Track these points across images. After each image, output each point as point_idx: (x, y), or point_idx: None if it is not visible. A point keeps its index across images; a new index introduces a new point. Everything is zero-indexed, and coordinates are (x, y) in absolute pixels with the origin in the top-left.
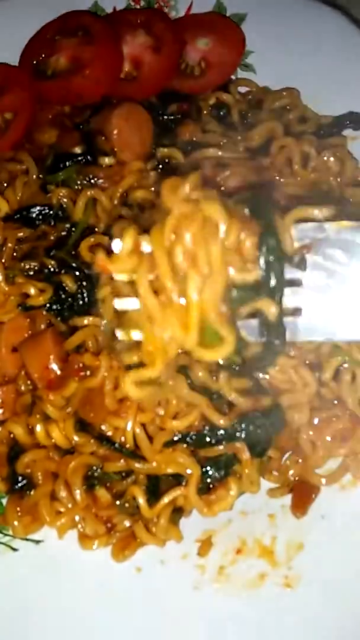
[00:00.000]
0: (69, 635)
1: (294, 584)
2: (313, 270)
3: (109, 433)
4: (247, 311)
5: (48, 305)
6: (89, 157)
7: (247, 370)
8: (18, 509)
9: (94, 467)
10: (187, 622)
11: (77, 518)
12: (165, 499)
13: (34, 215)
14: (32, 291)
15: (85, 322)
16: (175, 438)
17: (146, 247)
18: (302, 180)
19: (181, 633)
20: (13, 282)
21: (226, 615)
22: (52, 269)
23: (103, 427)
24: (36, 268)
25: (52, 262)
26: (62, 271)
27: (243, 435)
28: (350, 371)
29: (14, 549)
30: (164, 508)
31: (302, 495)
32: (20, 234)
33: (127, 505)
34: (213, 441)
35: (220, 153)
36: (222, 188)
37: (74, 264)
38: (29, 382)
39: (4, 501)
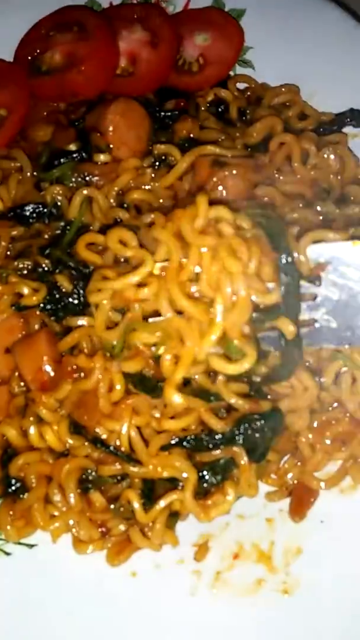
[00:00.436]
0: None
1: (292, 590)
2: (327, 286)
3: (104, 436)
4: (267, 327)
5: (42, 305)
6: (84, 154)
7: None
8: (11, 512)
9: (89, 471)
10: (182, 628)
11: (71, 522)
12: (161, 504)
13: (27, 213)
14: (26, 291)
15: (80, 322)
16: (173, 442)
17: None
18: (301, 178)
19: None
20: (6, 282)
21: (223, 622)
22: (46, 268)
23: (97, 430)
24: (30, 267)
25: (46, 261)
26: (57, 270)
27: (241, 440)
28: (350, 374)
29: (7, 553)
30: (160, 513)
31: (300, 499)
32: (14, 232)
33: (122, 509)
34: (211, 445)
35: (218, 150)
36: (221, 187)
37: (70, 263)
38: (22, 383)
39: None
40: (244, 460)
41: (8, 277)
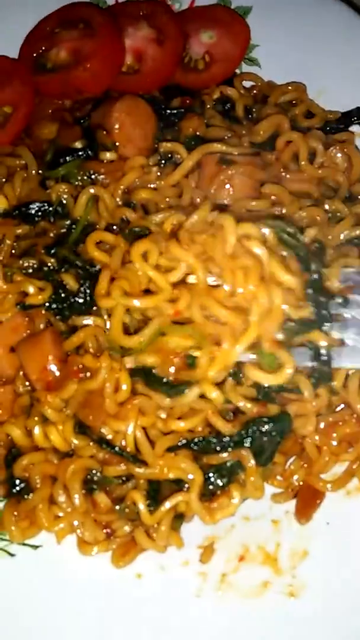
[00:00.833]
0: None
1: (298, 593)
2: (355, 307)
3: (109, 436)
4: (300, 341)
5: (47, 304)
6: (89, 152)
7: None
8: (15, 513)
9: (94, 471)
10: (188, 630)
11: (75, 523)
12: (167, 505)
13: (33, 211)
14: (31, 289)
15: (86, 322)
16: (180, 443)
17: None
18: (308, 177)
19: None
20: (11, 280)
21: (228, 625)
22: (51, 267)
23: (103, 430)
24: (35, 266)
25: (52, 260)
26: (63, 269)
27: (249, 443)
28: (358, 377)
29: (11, 555)
30: (165, 514)
31: (306, 501)
32: (19, 231)
33: (127, 510)
34: (218, 448)
35: (224, 148)
36: (228, 186)
37: (77, 262)
38: (27, 383)
39: (1, 505)
40: (250, 463)
41: (13, 275)
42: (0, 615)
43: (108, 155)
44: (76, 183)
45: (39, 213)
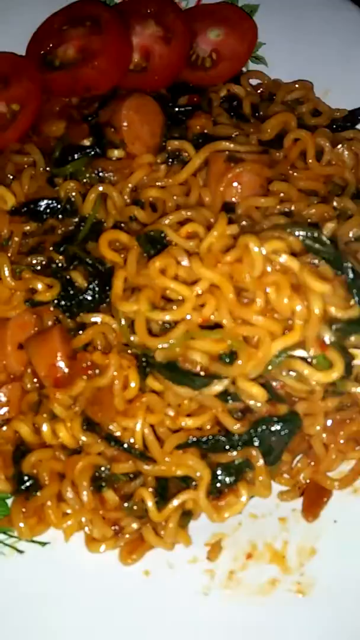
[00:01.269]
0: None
1: (307, 591)
2: None
3: (117, 433)
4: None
5: (55, 301)
6: (97, 149)
7: None
8: (24, 509)
9: (102, 468)
10: (195, 628)
11: (83, 520)
12: (175, 502)
13: (41, 208)
14: (40, 286)
15: (94, 319)
16: (190, 441)
17: None
18: (316, 175)
19: None
20: (20, 277)
21: (236, 623)
22: (60, 264)
23: (111, 427)
24: (43, 263)
25: (60, 257)
26: (71, 267)
27: (258, 443)
28: None
29: (20, 551)
30: (173, 511)
31: (313, 498)
32: (27, 228)
33: (135, 507)
34: (227, 446)
35: (232, 146)
36: (236, 184)
37: (87, 260)
38: (35, 380)
39: (9, 502)
40: (260, 462)
41: (22, 272)
42: (9, 612)
43: (116, 153)
44: (84, 180)
45: (47, 210)
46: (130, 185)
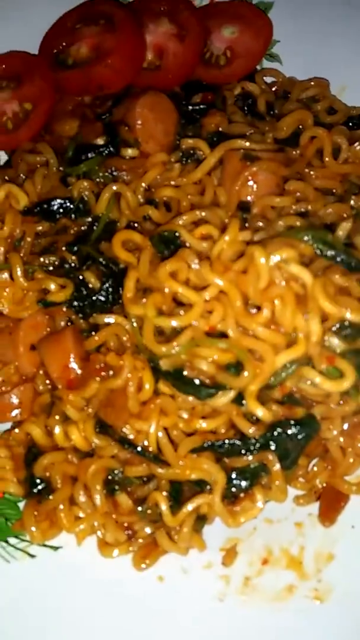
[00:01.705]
0: None
1: (325, 597)
2: None
3: (131, 436)
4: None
5: (68, 301)
6: (111, 148)
7: None
8: (36, 513)
9: (115, 471)
10: (211, 635)
11: (96, 524)
12: (189, 507)
13: (54, 208)
14: (53, 287)
15: (107, 320)
16: (206, 445)
17: None
18: (332, 173)
19: None
20: (32, 278)
21: (252, 629)
22: (73, 265)
23: (124, 430)
24: (56, 263)
25: (73, 257)
26: (84, 267)
27: (274, 447)
28: None
29: (32, 556)
30: (188, 516)
31: (330, 503)
32: (40, 228)
33: (149, 511)
34: (243, 450)
35: (248, 144)
36: (251, 182)
37: (101, 260)
38: (47, 381)
39: (21, 505)
40: (276, 467)
41: (34, 273)
42: (21, 616)
43: (130, 152)
44: (97, 180)
45: (60, 210)
46: (143, 184)
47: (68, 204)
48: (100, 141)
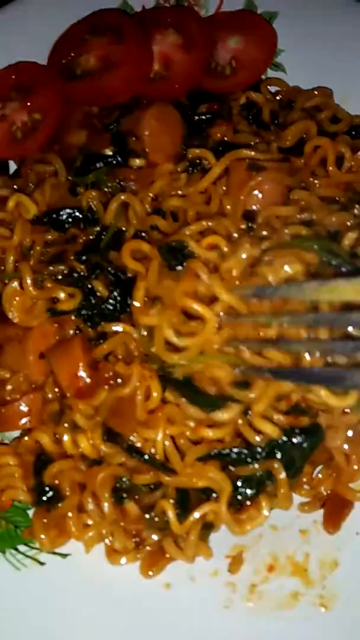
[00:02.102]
0: None
1: (330, 604)
2: None
3: (138, 444)
4: None
5: (77, 310)
6: (119, 158)
7: None
8: (45, 520)
9: (123, 479)
10: None
11: (104, 531)
12: (196, 515)
13: (63, 218)
14: (62, 296)
15: (115, 328)
16: (212, 453)
17: None
18: (335, 182)
19: None
20: (41, 287)
21: (259, 636)
22: (81, 273)
23: (132, 438)
24: (65, 272)
25: (82, 266)
26: (93, 276)
27: (280, 455)
28: None
29: (41, 563)
30: (194, 524)
31: (334, 510)
32: (49, 237)
33: (156, 519)
34: (249, 459)
35: (253, 153)
36: (257, 192)
37: (110, 269)
38: (56, 389)
39: (31, 513)
40: (282, 475)
41: (44, 282)
42: (30, 623)
43: (137, 162)
44: (105, 190)
45: (69, 219)
46: (151, 194)
47: (77, 214)
48: (108, 151)
